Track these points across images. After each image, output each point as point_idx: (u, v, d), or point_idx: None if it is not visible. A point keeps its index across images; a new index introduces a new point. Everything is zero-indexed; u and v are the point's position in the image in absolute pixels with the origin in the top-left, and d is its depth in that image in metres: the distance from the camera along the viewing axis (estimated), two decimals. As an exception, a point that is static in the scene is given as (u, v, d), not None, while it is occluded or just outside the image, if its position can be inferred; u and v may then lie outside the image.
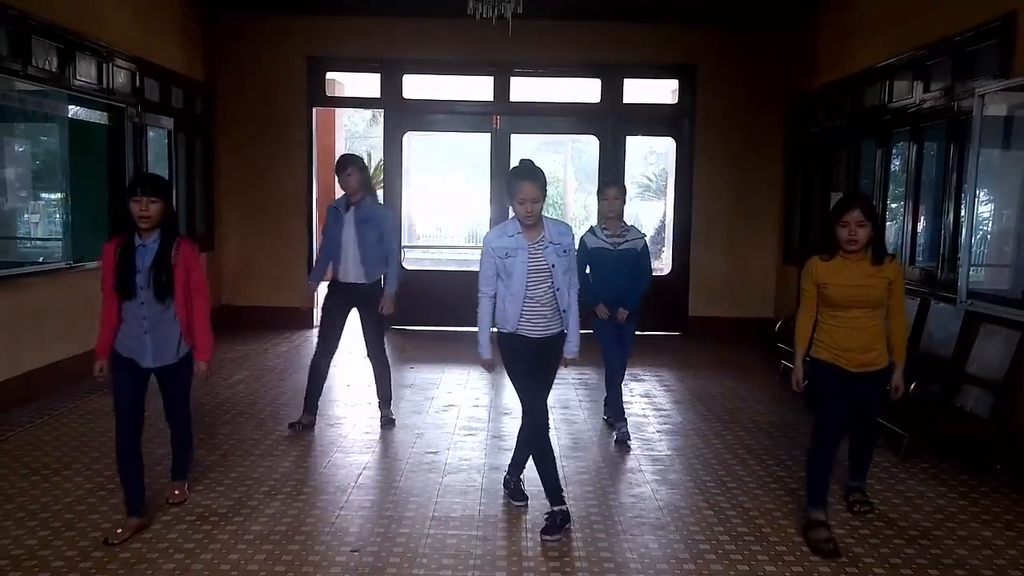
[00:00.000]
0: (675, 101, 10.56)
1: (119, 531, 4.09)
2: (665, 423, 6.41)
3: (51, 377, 6.75)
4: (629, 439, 5.84)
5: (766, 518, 4.50)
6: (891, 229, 7.53)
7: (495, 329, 4.42)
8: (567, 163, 27.37)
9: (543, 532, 4.21)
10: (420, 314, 10.08)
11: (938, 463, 5.40)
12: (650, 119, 10.70)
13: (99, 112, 7.58)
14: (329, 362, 6.04)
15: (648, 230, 22.21)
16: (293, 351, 8.90)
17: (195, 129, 9.55)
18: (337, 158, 6.10)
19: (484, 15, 6.81)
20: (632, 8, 9.60)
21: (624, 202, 5.85)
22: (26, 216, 7.04)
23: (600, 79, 10.18)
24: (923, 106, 6.91)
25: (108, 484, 4.77)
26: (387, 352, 6.20)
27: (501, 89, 10.16)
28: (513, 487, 4.71)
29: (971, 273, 5.95)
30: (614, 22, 9.83)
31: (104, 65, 7.46)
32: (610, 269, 5.81)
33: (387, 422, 6.12)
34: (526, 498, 4.65)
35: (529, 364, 4.36)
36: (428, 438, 5.89)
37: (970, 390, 5.65)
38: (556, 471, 4.39)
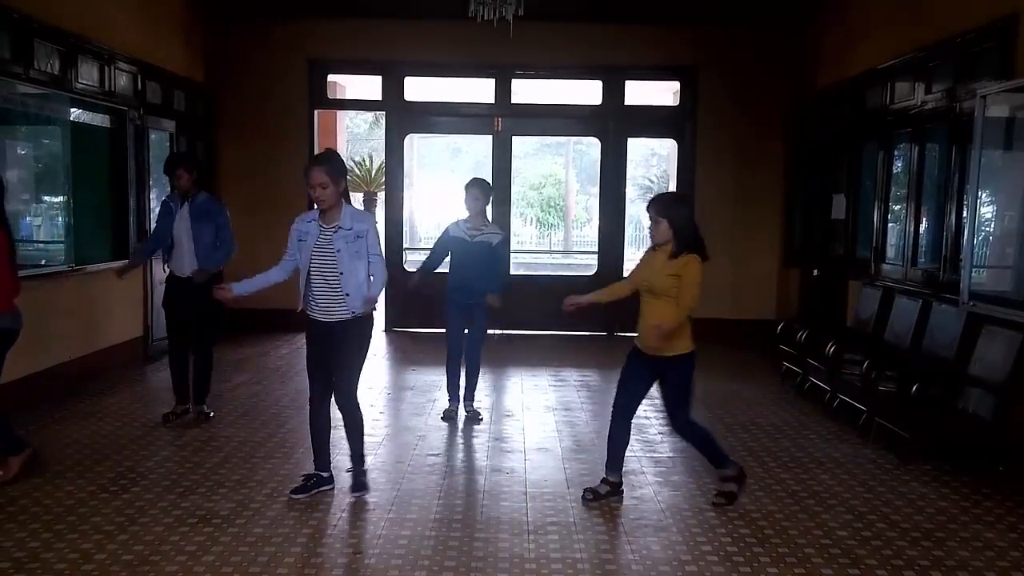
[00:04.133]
0: (677, 103, 10.56)
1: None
2: (667, 425, 6.38)
3: (53, 380, 6.75)
4: (454, 418, 6.40)
5: (768, 520, 4.50)
6: (892, 231, 7.53)
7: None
8: (568, 165, 27.37)
9: (292, 491, 4.70)
10: (421, 316, 10.08)
11: (940, 465, 5.39)
12: (652, 121, 10.71)
13: (101, 115, 7.59)
14: (187, 352, 6.18)
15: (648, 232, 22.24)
16: (294, 353, 8.90)
17: (197, 131, 9.55)
18: (165, 159, 6.46)
19: (485, 17, 6.82)
20: (633, 10, 9.63)
21: (485, 201, 6.38)
22: (28, 219, 7.04)
23: (601, 81, 10.19)
24: (925, 107, 6.91)
25: (111, 487, 4.78)
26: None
27: (502, 91, 10.18)
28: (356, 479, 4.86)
29: (973, 275, 5.95)
30: (615, 24, 9.83)
31: (106, 68, 7.47)
32: (462, 258, 6.36)
33: (204, 416, 6.21)
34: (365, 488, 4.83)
35: (315, 346, 4.70)
36: (430, 440, 5.89)
37: (972, 392, 5.64)
38: (327, 447, 4.84)
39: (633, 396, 4.79)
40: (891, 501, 4.80)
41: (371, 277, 4.62)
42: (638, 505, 4.72)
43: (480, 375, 6.65)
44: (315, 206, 4.61)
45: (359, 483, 4.83)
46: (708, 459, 4.85)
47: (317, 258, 4.57)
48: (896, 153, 7.54)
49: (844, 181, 8.49)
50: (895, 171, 7.55)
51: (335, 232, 4.55)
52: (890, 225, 7.57)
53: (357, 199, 21.83)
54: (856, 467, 5.40)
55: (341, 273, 4.53)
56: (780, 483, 5.08)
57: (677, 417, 4.72)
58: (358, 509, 4.57)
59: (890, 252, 7.53)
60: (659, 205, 4.57)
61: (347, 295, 4.54)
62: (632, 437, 6.02)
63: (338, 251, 4.53)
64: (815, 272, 9.12)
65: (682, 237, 4.51)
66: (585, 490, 4.80)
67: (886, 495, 4.90)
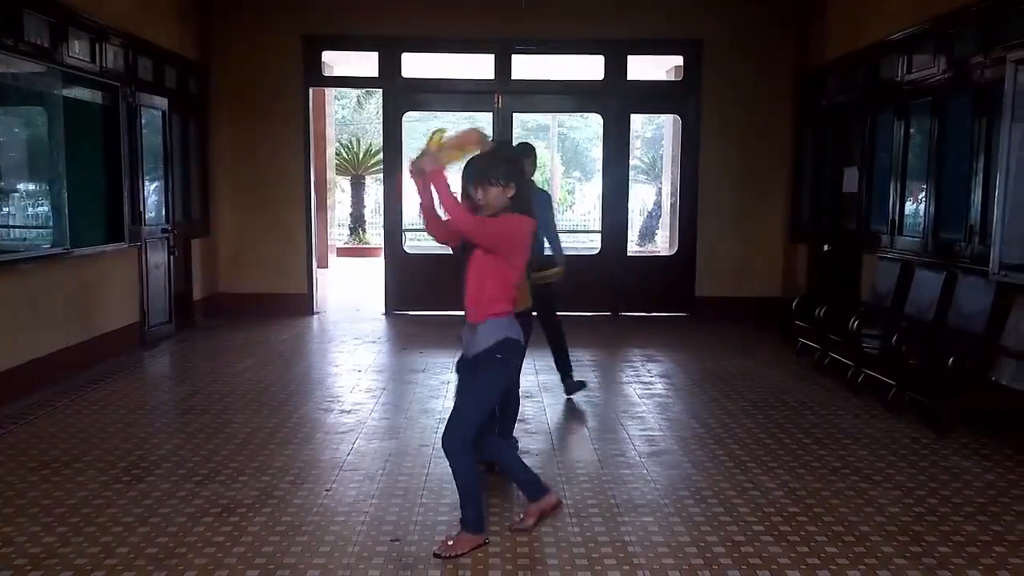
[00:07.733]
0: (680, 77, 10.34)
1: None
2: (677, 402, 6.23)
3: (49, 368, 6.47)
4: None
5: (815, 497, 4.32)
6: (911, 203, 7.37)
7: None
8: (553, 148, 27.14)
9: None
10: (419, 299, 9.86)
11: (977, 438, 5.26)
12: (655, 95, 10.52)
13: (93, 91, 7.27)
14: None
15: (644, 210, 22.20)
16: (296, 337, 8.67)
17: (190, 109, 9.25)
18: None
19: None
20: (636, -18, 9.41)
21: (529, 168, 5.49)
22: (22, 200, 6.73)
23: (604, 56, 9.95)
24: (944, 76, 6.75)
25: (123, 476, 4.54)
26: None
27: (503, 67, 9.90)
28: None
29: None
30: (618, -3, 9.62)
31: (97, 42, 7.15)
32: None
33: None
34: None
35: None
36: (450, 423, 5.69)
37: (1007, 363, 5.51)
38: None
39: None
40: (937, 476, 4.65)
41: None
42: (681, 487, 4.54)
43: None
44: None
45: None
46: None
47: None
48: (913, 125, 7.38)
49: (857, 154, 8.33)
50: (913, 142, 7.39)
51: None
52: (908, 197, 7.42)
53: (345, 183, 21.50)
54: (893, 442, 5.25)
55: None
56: (819, 460, 4.92)
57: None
58: (388, 496, 4.35)
59: (908, 224, 7.39)
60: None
61: None
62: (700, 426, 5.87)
63: None
64: (825, 247, 8.98)
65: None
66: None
67: (930, 470, 4.75)
